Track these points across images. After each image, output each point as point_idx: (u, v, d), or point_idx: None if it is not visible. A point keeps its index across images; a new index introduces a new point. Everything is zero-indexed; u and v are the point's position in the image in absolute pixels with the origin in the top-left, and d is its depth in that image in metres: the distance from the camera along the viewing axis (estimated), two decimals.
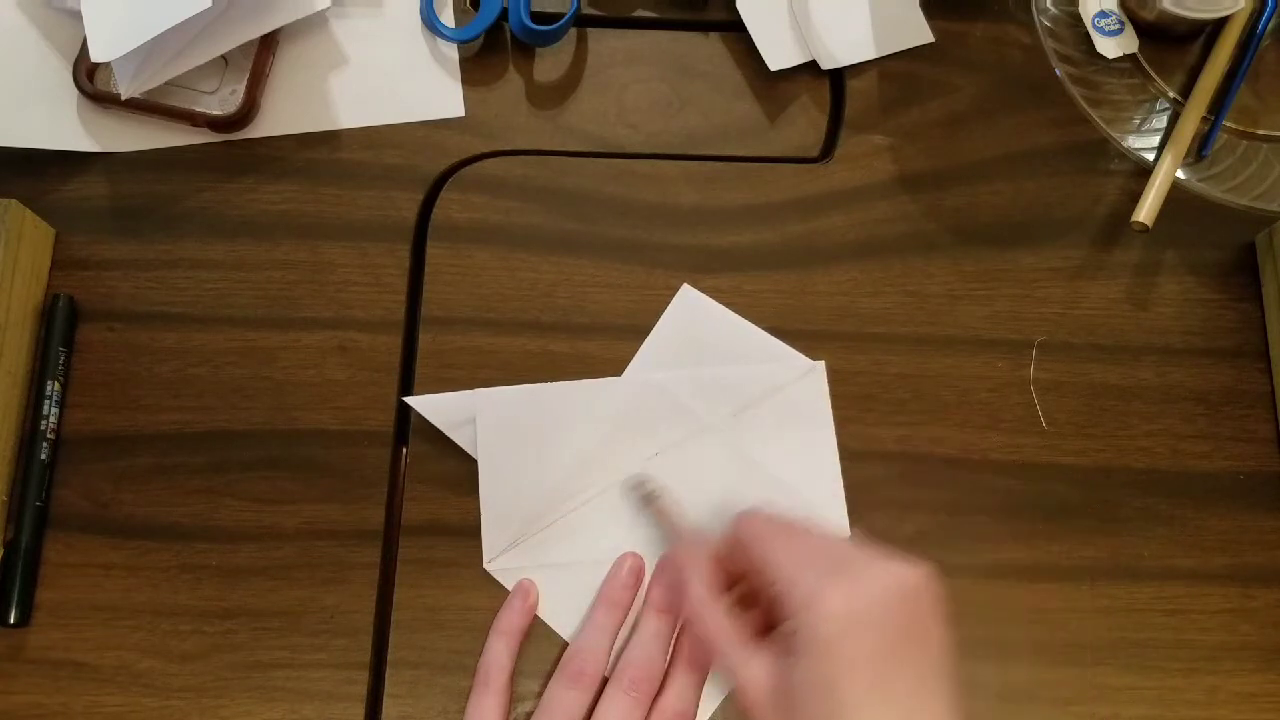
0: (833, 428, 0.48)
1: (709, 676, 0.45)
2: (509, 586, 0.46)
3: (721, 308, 0.51)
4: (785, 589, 0.37)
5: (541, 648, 0.46)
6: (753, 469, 0.48)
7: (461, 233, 0.52)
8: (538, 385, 0.49)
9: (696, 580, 0.42)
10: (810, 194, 0.53)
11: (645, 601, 0.46)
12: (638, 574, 0.46)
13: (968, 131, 0.55)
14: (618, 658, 0.44)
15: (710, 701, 0.45)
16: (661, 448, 0.48)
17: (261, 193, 0.52)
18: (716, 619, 0.40)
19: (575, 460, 0.48)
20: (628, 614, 0.46)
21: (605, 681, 0.44)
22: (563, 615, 0.46)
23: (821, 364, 0.49)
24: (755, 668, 0.38)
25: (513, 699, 0.44)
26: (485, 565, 0.47)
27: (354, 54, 0.55)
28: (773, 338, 0.50)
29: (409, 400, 0.48)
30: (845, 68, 0.55)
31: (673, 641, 0.45)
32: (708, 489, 0.47)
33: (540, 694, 0.44)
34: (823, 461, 0.48)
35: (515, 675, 0.45)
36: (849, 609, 0.36)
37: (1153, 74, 0.53)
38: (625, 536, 0.47)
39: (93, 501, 0.47)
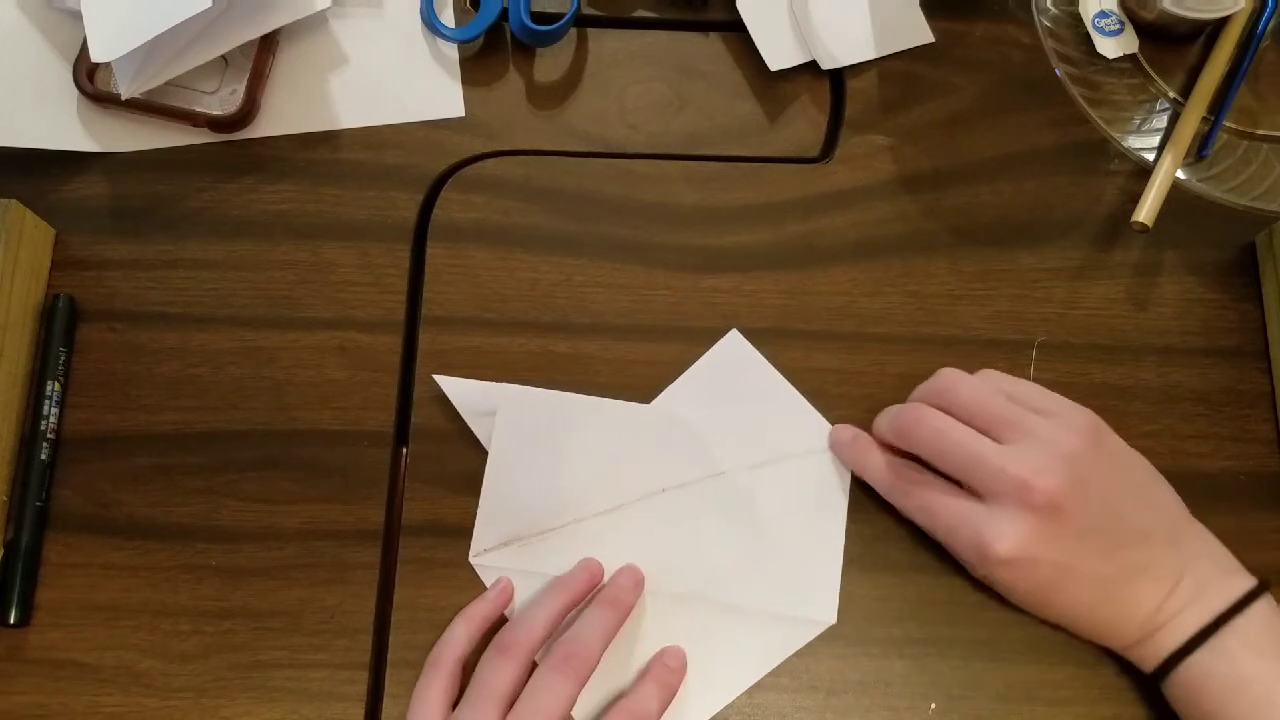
0: (846, 509, 0.47)
1: (676, 697, 0.44)
2: (488, 582, 0.46)
3: (764, 361, 0.50)
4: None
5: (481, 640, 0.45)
6: (755, 525, 0.47)
7: (461, 233, 0.52)
8: (566, 394, 0.49)
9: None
10: (810, 194, 0.53)
11: (598, 595, 0.45)
12: (596, 575, 0.46)
13: (968, 131, 0.55)
14: None
15: (712, 706, 0.45)
16: (672, 484, 0.48)
17: (261, 193, 0.52)
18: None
19: (585, 476, 0.47)
20: (576, 604, 0.45)
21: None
22: None
23: None
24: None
25: (463, 685, 0.44)
26: (470, 558, 0.46)
27: (354, 54, 0.55)
28: (808, 404, 0.49)
29: (437, 378, 0.48)
30: (845, 68, 0.55)
31: (612, 634, 0.44)
32: (704, 534, 0.47)
33: None
34: (828, 537, 0.47)
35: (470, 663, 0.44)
36: None
37: (1153, 74, 0.53)
38: (617, 560, 0.46)
39: (93, 501, 0.47)
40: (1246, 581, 0.43)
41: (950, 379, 0.46)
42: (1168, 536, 0.43)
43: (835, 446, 0.48)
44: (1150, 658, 0.43)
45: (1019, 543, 0.42)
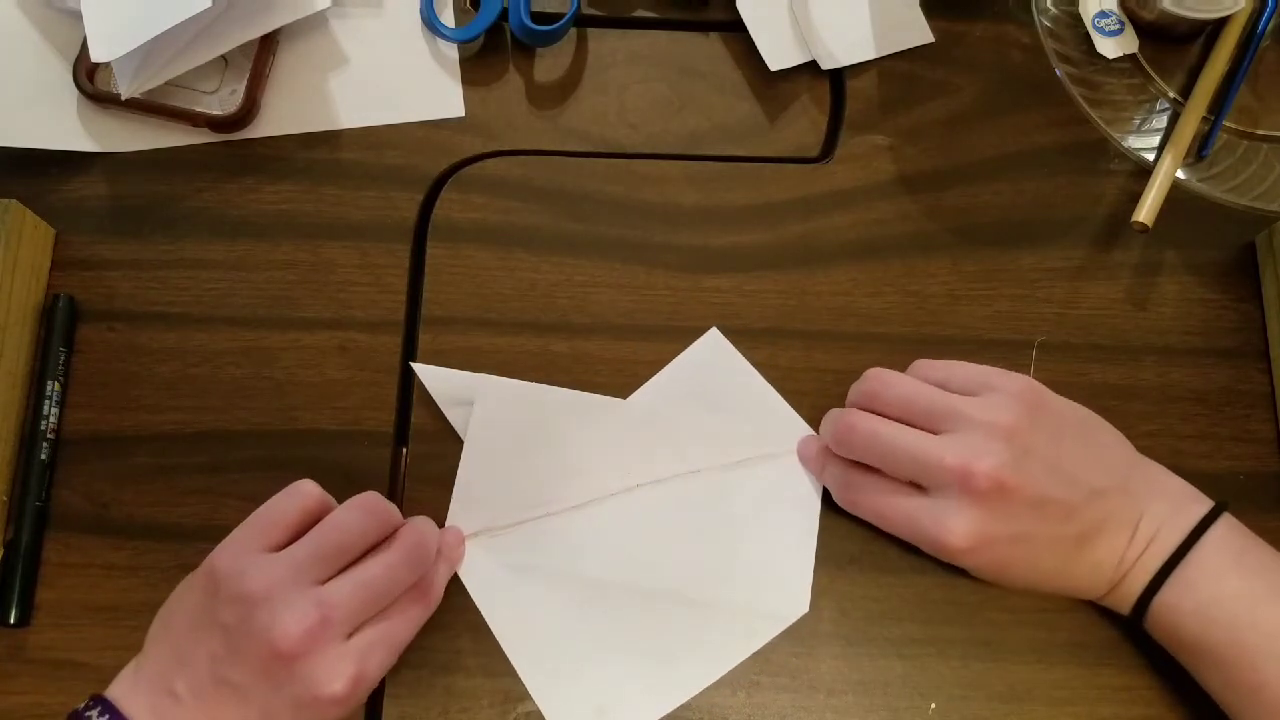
0: (819, 506, 0.47)
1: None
2: (460, 573, 0.46)
3: (743, 360, 0.50)
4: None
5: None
6: (728, 521, 0.47)
7: (461, 233, 0.52)
8: (544, 386, 0.49)
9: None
10: (810, 194, 0.53)
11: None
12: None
13: (968, 131, 0.55)
14: None
15: (678, 698, 0.45)
16: (646, 480, 0.48)
17: (261, 193, 0.52)
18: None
19: (559, 469, 0.47)
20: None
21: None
22: (506, 618, 0.46)
23: None
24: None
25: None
26: None
27: (354, 54, 0.55)
28: (786, 404, 0.49)
29: (416, 367, 0.48)
30: (845, 68, 0.55)
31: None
32: (676, 530, 0.47)
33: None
34: (801, 533, 0.47)
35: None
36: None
37: (1153, 74, 0.53)
38: (589, 554, 0.46)
39: (93, 501, 0.47)
40: (1200, 509, 0.44)
41: (877, 381, 0.46)
42: (1121, 485, 0.44)
43: (802, 460, 0.48)
44: (1123, 604, 0.44)
45: (969, 531, 0.42)
